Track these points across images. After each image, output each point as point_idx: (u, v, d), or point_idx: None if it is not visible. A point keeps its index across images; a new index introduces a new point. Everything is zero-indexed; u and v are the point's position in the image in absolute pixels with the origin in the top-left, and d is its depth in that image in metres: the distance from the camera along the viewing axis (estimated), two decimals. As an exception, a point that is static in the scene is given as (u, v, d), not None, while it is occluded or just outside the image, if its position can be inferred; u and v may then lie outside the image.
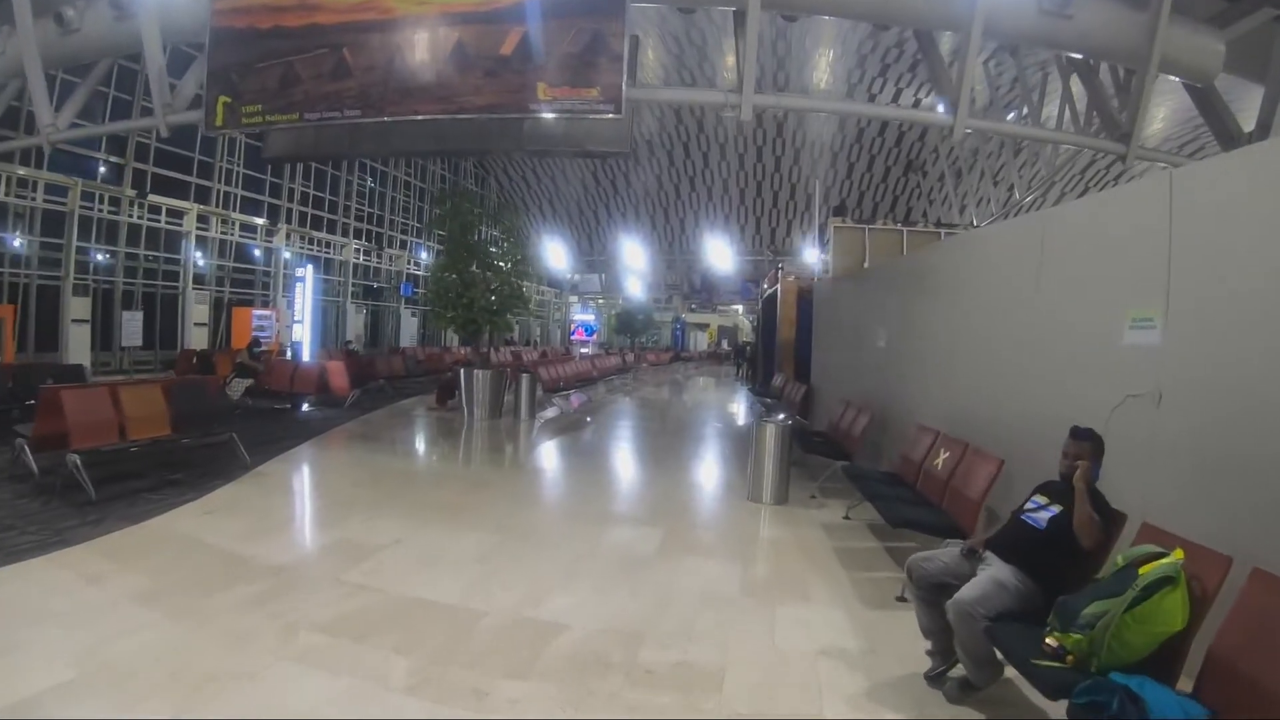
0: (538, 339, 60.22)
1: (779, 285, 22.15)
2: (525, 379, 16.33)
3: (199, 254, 28.28)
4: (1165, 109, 30.55)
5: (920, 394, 8.91)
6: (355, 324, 38.22)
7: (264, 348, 21.71)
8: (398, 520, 7.58)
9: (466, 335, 17.05)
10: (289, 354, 23.54)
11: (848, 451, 9.49)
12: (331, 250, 37.42)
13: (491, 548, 6.78)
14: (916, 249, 14.57)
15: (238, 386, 16.40)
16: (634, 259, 61.90)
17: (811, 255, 20.88)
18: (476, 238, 16.73)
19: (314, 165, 36.61)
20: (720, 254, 58.35)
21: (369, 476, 9.92)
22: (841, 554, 6.98)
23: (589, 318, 55.46)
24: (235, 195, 31.52)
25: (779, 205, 54.34)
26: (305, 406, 16.19)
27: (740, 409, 21.77)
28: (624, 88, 12.03)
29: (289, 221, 34.95)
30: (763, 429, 8.81)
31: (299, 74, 15.10)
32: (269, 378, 16.73)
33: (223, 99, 15.97)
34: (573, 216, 63.08)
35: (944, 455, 7.19)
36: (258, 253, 32.29)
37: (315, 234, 36.39)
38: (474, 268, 16.39)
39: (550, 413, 17.88)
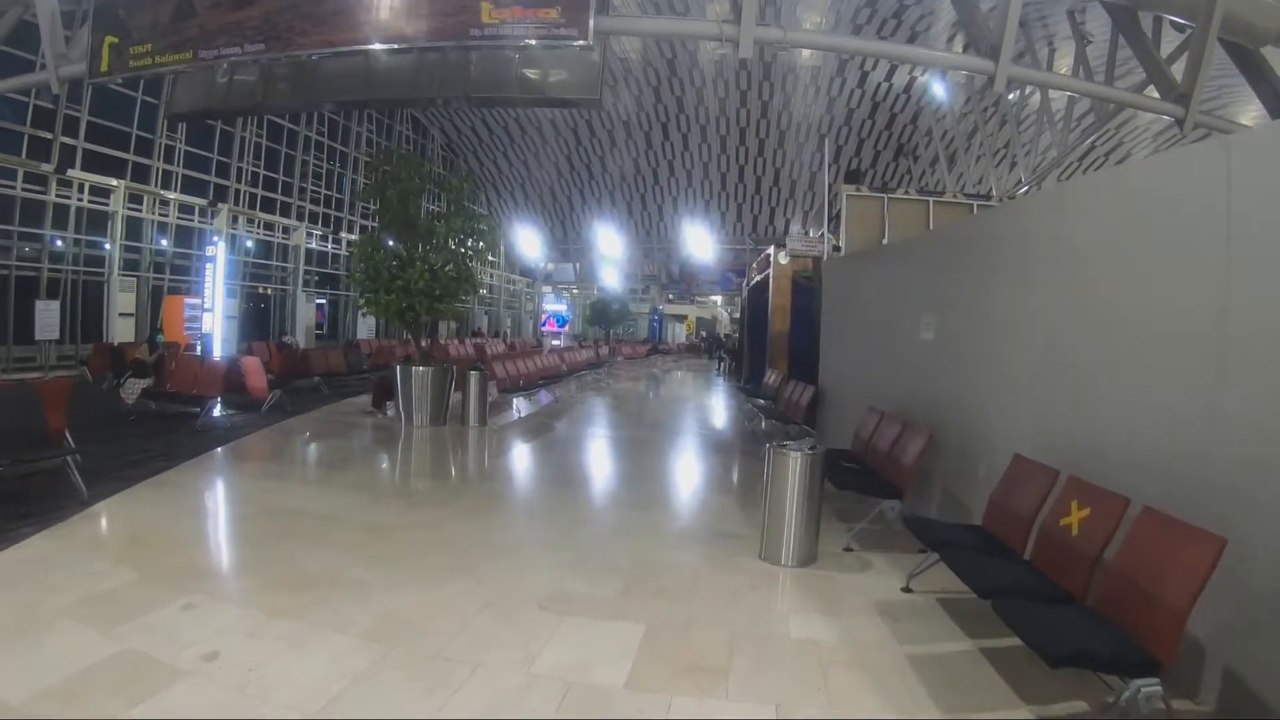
0: (508, 330, 57.44)
1: (770, 270, 19.59)
2: (474, 378, 13.64)
3: (162, 239, 25.32)
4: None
5: (1006, 409, 6.29)
6: (307, 314, 35.29)
7: (163, 341, 18.98)
8: (235, 609, 4.90)
9: (404, 324, 14.27)
10: (199, 349, 20.56)
11: (897, 487, 6.85)
12: (276, 233, 34.46)
13: (357, 670, 4.09)
14: (945, 223, 11.97)
15: (133, 388, 13.58)
16: (610, 247, 59.24)
17: (795, 245, 18.25)
18: (419, 210, 13.99)
19: (265, 143, 33.81)
20: (700, 242, 55.80)
21: (233, 523, 7.22)
22: (923, 666, 4.41)
23: (561, 308, 52.50)
24: (177, 174, 28.86)
25: (762, 191, 51.72)
26: (217, 411, 13.43)
27: (724, 410, 19.15)
28: (592, 7, 9.38)
29: (237, 203, 32.14)
30: (782, 460, 6.18)
31: (193, 2, 12.41)
32: (171, 377, 13.87)
33: (109, 39, 13.25)
34: (545, 202, 60.18)
35: (1083, 514, 4.60)
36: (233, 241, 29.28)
37: (264, 216, 33.43)
38: (415, 245, 13.69)
39: (508, 418, 15.22)
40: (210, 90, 14.55)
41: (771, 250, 19.58)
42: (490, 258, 16.27)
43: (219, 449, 10.49)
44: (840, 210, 14.10)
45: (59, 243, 22.90)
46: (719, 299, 62.52)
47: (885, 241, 12.91)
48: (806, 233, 33.47)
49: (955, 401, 7.25)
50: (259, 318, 34.00)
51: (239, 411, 13.78)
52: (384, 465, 10.37)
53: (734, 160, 49.71)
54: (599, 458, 11.68)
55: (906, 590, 5.71)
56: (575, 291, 62.61)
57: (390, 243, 13.88)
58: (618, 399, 20.90)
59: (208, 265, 17.28)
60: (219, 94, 14.40)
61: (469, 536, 6.78)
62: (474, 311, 54.47)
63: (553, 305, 53.40)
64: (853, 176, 15.67)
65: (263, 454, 10.65)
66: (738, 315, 42.89)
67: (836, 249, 14.42)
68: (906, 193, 14.69)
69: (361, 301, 13.86)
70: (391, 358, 23.48)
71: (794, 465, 6.10)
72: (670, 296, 64.61)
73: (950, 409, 7.31)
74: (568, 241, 62.45)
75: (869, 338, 9.94)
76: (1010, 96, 26.74)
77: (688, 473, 10.74)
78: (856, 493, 7.05)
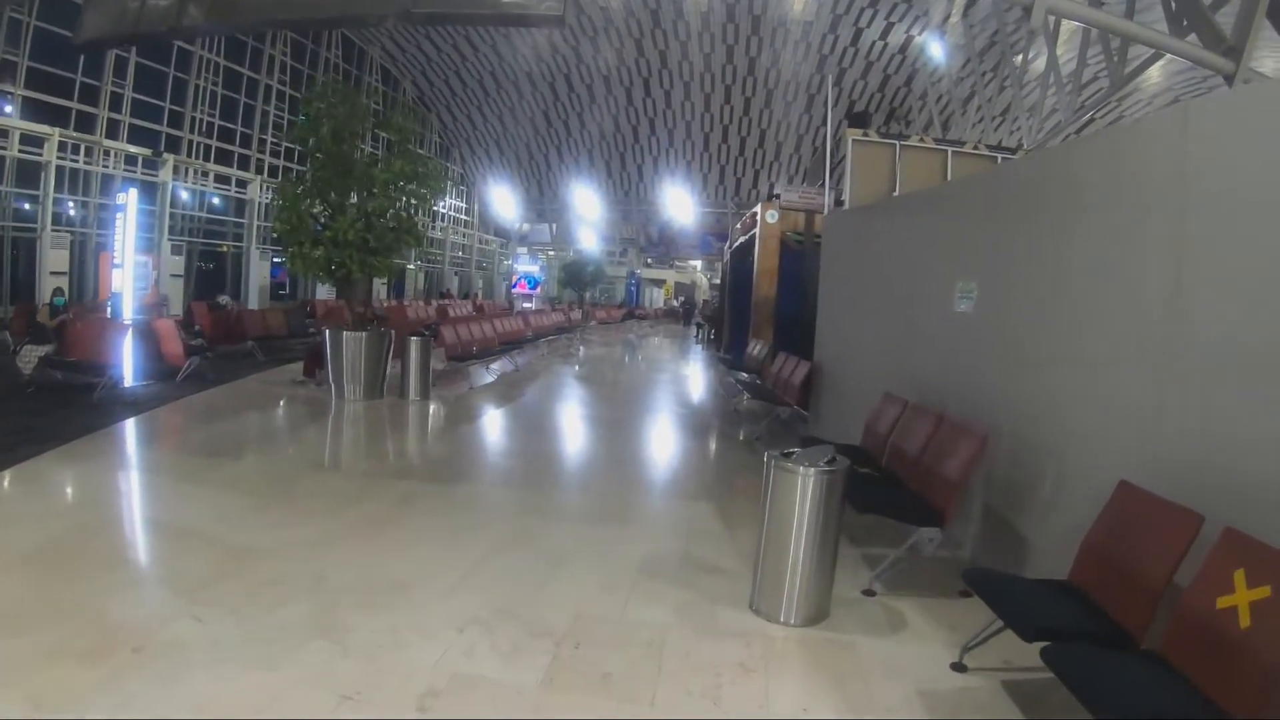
0: (479, 292, 55.42)
1: (756, 230, 17.82)
2: (414, 345, 11.80)
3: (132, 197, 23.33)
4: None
5: (1093, 408, 4.56)
6: (261, 273, 33.14)
7: (64, 303, 16.94)
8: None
9: (335, 283, 12.33)
10: (109, 311, 18.42)
11: (937, 509, 5.10)
12: (230, 187, 32.23)
13: None
14: (967, 176, 10.15)
15: (30, 356, 11.62)
16: (587, 208, 57.21)
17: (790, 197, 16.29)
18: (355, 151, 12.05)
19: (222, 92, 31.59)
20: (680, 205, 53.91)
21: (53, 543, 5.28)
22: None
23: (533, 269, 50.47)
24: (124, 123, 26.97)
25: (746, 153, 49.79)
26: (128, 381, 11.56)
27: (701, 383, 17.41)
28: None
29: (191, 155, 30.00)
30: (787, 481, 4.39)
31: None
32: (72, 344, 11.90)
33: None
34: (521, 160, 57.89)
35: (1258, 594, 2.91)
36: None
37: (217, 169, 31.21)
38: (348, 192, 11.79)
39: (457, 390, 13.40)
40: (122, 12, 12.59)
41: (758, 208, 17.78)
42: (435, 207, 14.27)
43: (106, 429, 8.67)
44: (844, 158, 12.28)
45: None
46: (699, 264, 60.79)
47: (897, 194, 11.14)
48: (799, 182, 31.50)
49: (1003, 393, 5.53)
50: (213, 278, 31.99)
51: (154, 381, 11.91)
52: (288, 453, 8.50)
53: (718, 120, 47.66)
54: (549, 447, 9.82)
55: (959, 668, 4.00)
56: (551, 253, 60.58)
57: (315, 196, 11.94)
58: (584, 370, 19.05)
59: (118, 216, 15.04)
60: (130, 17, 12.45)
61: (354, 567, 4.97)
62: (444, 272, 52.42)
63: (525, 266, 51.20)
64: (859, 119, 13.71)
65: (150, 437, 8.78)
66: (718, 281, 41.10)
67: (839, 203, 12.60)
68: (921, 140, 12.87)
69: (285, 257, 11.92)
70: (343, 320, 21.56)
71: (805, 489, 4.33)
72: (649, 260, 62.87)
73: (995, 402, 5.59)
74: (544, 202, 60.39)
75: (882, 308, 8.18)
76: (1016, 59, 25.10)
77: (656, 468, 8.95)
78: (886, 516, 5.29)
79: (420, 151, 12.64)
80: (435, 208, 51.76)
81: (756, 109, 45.49)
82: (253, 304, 29.79)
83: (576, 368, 19.13)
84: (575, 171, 56.73)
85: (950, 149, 12.19)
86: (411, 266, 46.69)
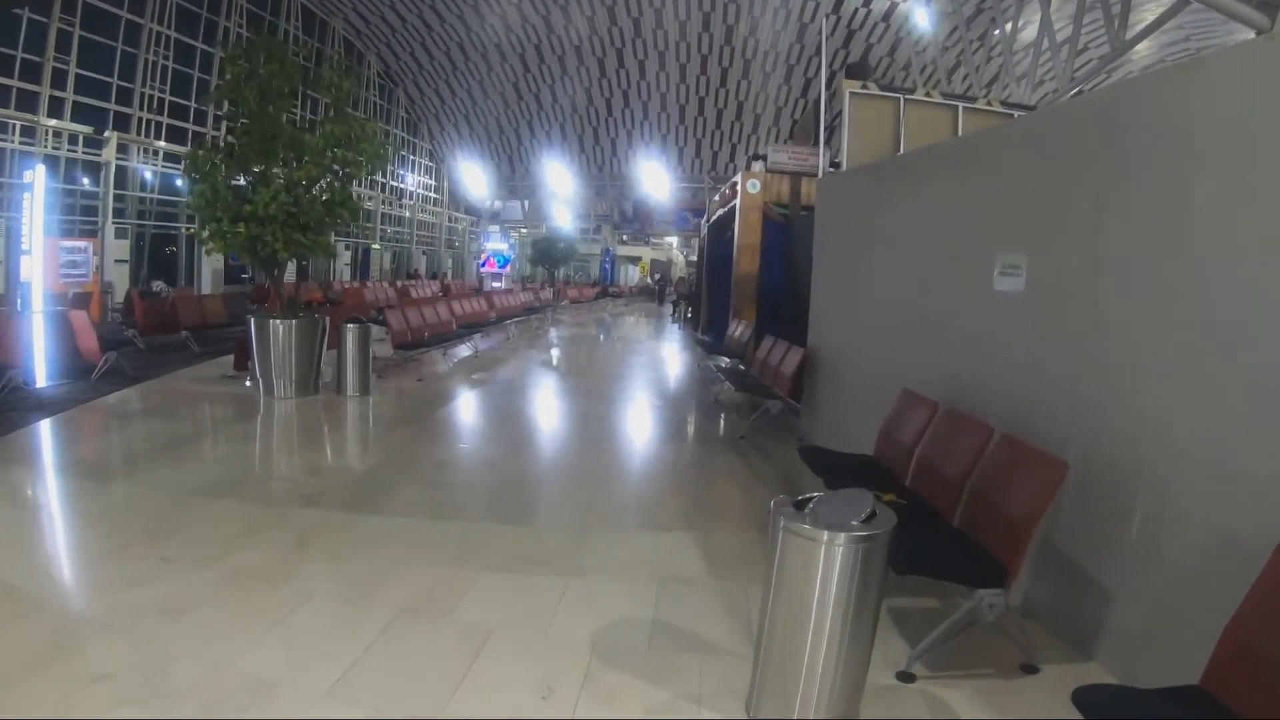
0: (448, 271, 53.71)
1: (736, 201, 16.44)
2: (351, 334, 10.37)
3: (40, 174, 21.71)
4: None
5: (1216, 425, 3.26)
6: (218, 255, 31.18)
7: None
8: None
9: (260, 263, 10.78)
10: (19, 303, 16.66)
11: (1000, 563, 3.75)
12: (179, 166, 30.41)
13: None
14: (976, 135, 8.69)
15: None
16: (560, 184, 55.54)
17: (779, 158, 14.74)
18: (283, 114, 10.54)
19: (172, 66, 29.67)
20: (655, 180, 52.34)
21: None
22: None
23: (502, 247, 48.81)
24: (68, 100, 25.25)
25: (723, 126, 48.21)
26: (40, 381, 10.11)
27: (678, 368, 16.04)
28: None
29: (141, 133, 28.23)
30: (802, 550, 2.99)
31: None
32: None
33: None
34: (492, 135, 56.01)
35: None
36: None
37: (168, 147, 29.34)
38: (274, 161, 10.32)
39: (404, 383, 12.00)
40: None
41: (738, 178, 16.39)
42: (376, 176, 12.69)
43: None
44: (840, 115, 10.87)
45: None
46: (675, 240, 59.25)
47: (908, 152, 9.76)
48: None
49: (1066, 395, 4.24)
50: (165, 263, 30.21)
51: (67, 381, 10.44)
52: (183, 472, 6.94)
53: (694, 92, 46.04)
54: (493, 456, 8.20)
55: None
56: (524, 231, 58.85)
57: (239, 168, 10.45)
58: (549, 356, 17.53)
59: (24, 197, 13.36)
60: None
61: (205, 657, 3.60)
62: (410, 251, 50.63)
63: (494, 244, 49.53)
64: (857, 70, 12.19)
65: (25, 453, 7.27)
66: (694, 258, 39.71)
67: (835, 164, 11.17)
68: (928, 94, 11.48)
69: (204, 234, 10.38)
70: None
71: (831, 564, 2.95)
72: (624, 237, 61.36)
73: (1052, 410, 4.31)
74: (515, 178, 58.63)
75: (895, 286, 6.82)
76: (1001, 30, 23.84)
77: (622, 485, 7.33)
78: (934, 578, 3.97)
79: (358, 115, 11.07)
80: (401, 185, 50.11)
81: (734, 80, 43.93)
82: (206, 290, 28.11)
83: (541, 354, 17.59)
84: (547, 146, 55.01)
85: (961, 104, 10.83)
86: (376, 246, 44.98)
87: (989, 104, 11.72)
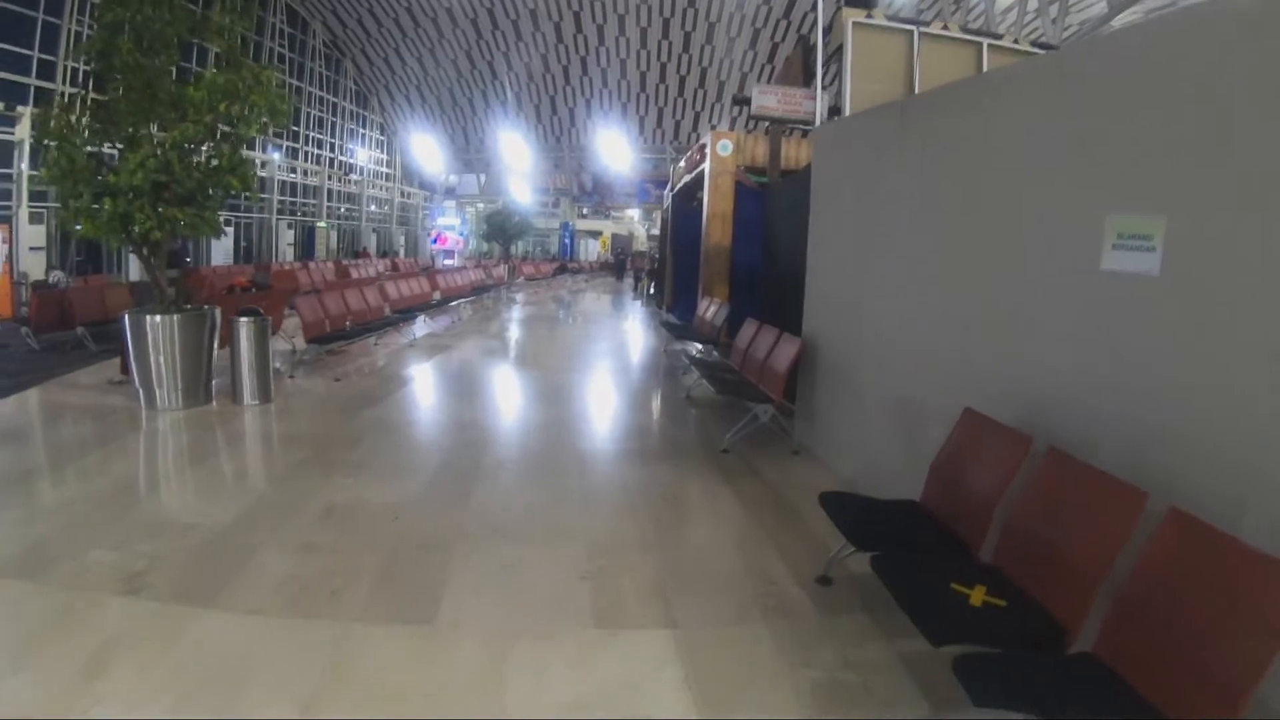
0: (400, 249, 51.50)
1: (705, 166, 14.70)
2: (245, 329, 8.48)
3: None
4: None
5: None
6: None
7: None
8: None
9: (131, 246, 8.79)
10: None
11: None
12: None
13: None
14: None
15: None
16: (516, 157, 53.36)
17: (766, 101, 12.71)
18: (163, 72, 8.57)
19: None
20: (615, 151, 50.37)
21: None
22: None
23: (453, 221, 46.68)
24: None
25: (685, 93, 46.25)
26: None
27: (640, 354, 14.31)
28: None
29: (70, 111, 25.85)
30: None
31: None
32: None
33: None
34: (445, 107, 53.57)
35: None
36: None
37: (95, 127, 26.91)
38: (147, 124, 8.38)
39: (319, 385, 10.15)
40: None
41: (707, 139, 14.63)
42: (273, 133, 10.66)
43: None
44: (840, 52, 9.02)
45: None
46: (637, 214, 57.46)
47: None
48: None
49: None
50: (92, 249, 27.93)
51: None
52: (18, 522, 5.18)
53: (655, 57, 43.98)
54: (397, 497, 5.83)
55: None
56: (480, 206, 56.56)
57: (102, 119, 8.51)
58: (496, 344, 15.53)
59: None
60: None
61: None
62: (360, 229, 48.21)
63: (445, 220, 47.36)
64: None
65: None
66: (657, 231, 37.88)
67: (834, 111, 9.36)
68: (945, 27, 9.68)
69: (66, 214, 8.43)
70: (212, 292, 17.92)
71: None
72: (584, 211, 59.46)
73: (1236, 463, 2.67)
74: (470, 151, 56.32)
75: (933, 262, 5.08)
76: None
77: (567, 545, 4.98)
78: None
79: (254, 64, 9.05)
80: (350, 159, 47.45)
81: (697, 45, 41.97)
82: (134, 277, 25.86)
83: (487, 341, 15.48)
84: (503, 117, 52.78)
85: (985, 40, 9.05)
86: (322, 224, 42.60)
87: (1016, 42, 9.97)
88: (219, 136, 8.66)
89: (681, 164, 20.64)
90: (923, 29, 8.78)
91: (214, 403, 8.55)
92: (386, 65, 49.57)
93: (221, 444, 7.38)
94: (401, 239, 53.54)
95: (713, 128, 43.21)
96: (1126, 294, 3.33)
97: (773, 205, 11.10)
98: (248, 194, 8.99)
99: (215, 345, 8.73)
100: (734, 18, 38.77)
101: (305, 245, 40.76)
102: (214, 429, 7.74)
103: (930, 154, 5.26)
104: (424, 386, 10.43)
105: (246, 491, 6.13)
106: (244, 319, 8.49)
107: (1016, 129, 4.29)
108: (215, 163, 8.51)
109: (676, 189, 20.87)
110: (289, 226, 39.14)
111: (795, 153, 13.12)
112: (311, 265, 29.77)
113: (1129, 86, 3.48)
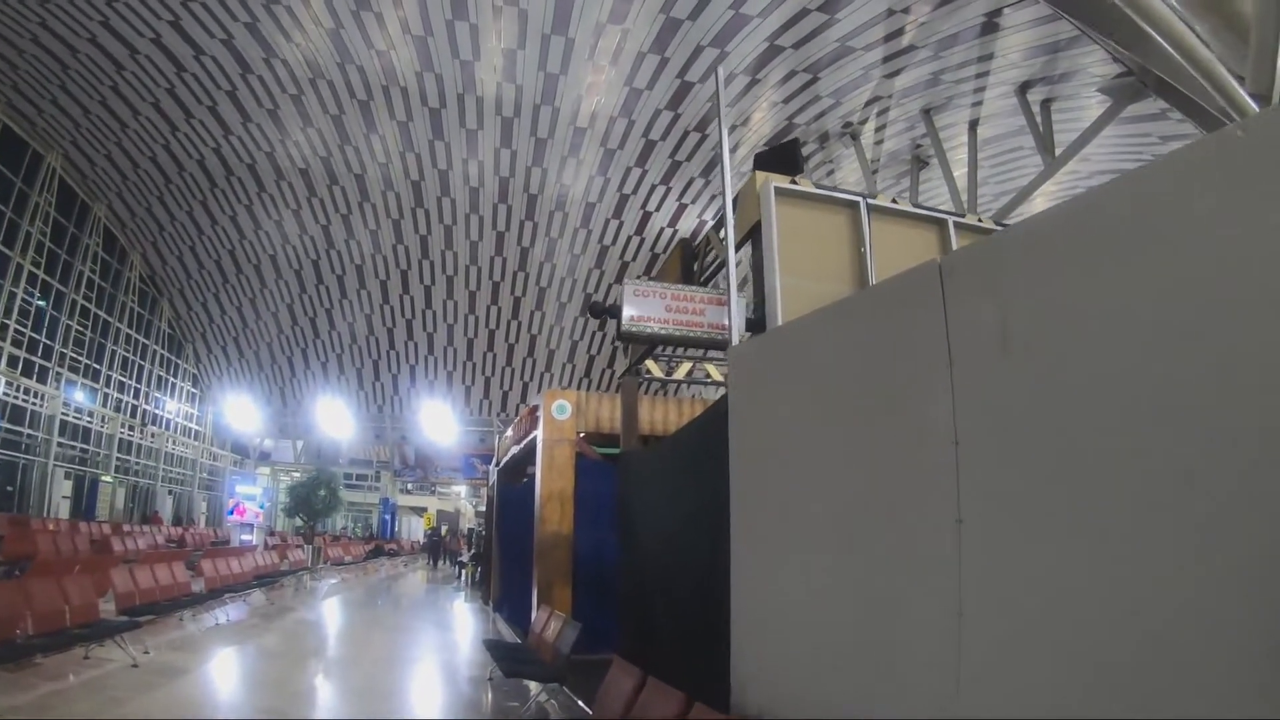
0: (202, 517, 45.47)
1: (536, 433, 11.65)
2: None
3: None
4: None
5: None
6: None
7: None
8: None
9: None
10: None
11: None
12: None
13: None
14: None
15: None
16: (336, 425, 49.17)
17: (639, 312, 9.74)
18: None
19: None
20: (440, 422, 47.07)
21: None
22: None
23: (255, 490, 41.60)
24: None
25: (514, 362, 43.91)
26: None
27: (455, 697, 10.17)
28: None
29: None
30: None
31: None
32: None
33: None
34: (263, 363, 49.01)
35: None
36: None
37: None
38: None
39: None
40: None
41: (540, 401, 11.64)
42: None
43: None
44: (756, 233, 6.06)
45: None
46: (463, 489, 53.66)
47: (869, 287, 4.99)
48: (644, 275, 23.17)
49: None
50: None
51: None
52: None
53: (484, 323, 41.77)
54: None
55: None
56: (296, 475, 51.30)
57: None
58: (225, 684, 11.03)
59: None
60: None
61: None
62: (155, 490, 42.05)
63: (244, 488, 42.22)
64: (783, 158, 7.31)
65: None
66: (484, 509, 34.22)
67: (754, 321, 6.19)
68: (895, 201, 7.08)
69: None
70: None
71: None
72: (408, 486, 55.21)
73: None
74: (288, 414, 51.59)
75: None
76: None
77: None
78: None
79: None
80: (153, 409, 42.00)
81: (527, 311, 40.24)
82: None
83: (234, 681, 10.79)
84: (323, 380, 48.93)
85: (950, 218, 6.50)
86: (108, 479, 36.56)
87: (979, 220, 7.57)
88: None
89: (509, 433, 17.56)
90: (871, 202, 6.15)
91: None
92: (204, 311, 45.30)
93: None
94: (203, 505, 47.44)
95: (627, 273, 41.04)
96: None
97: (629, 481, 8.04)
98: None
99: None
100: (565, 282, 37.47)
101: (87, 500, 34.56)
102: None
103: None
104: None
105: None
106: None
107: None
108: None
109: (503, 463, 17.65)
110: (66, 476, 33.09)
111: (659, 415, 10.32)
112: (83, 526, 25.62)
113: None
